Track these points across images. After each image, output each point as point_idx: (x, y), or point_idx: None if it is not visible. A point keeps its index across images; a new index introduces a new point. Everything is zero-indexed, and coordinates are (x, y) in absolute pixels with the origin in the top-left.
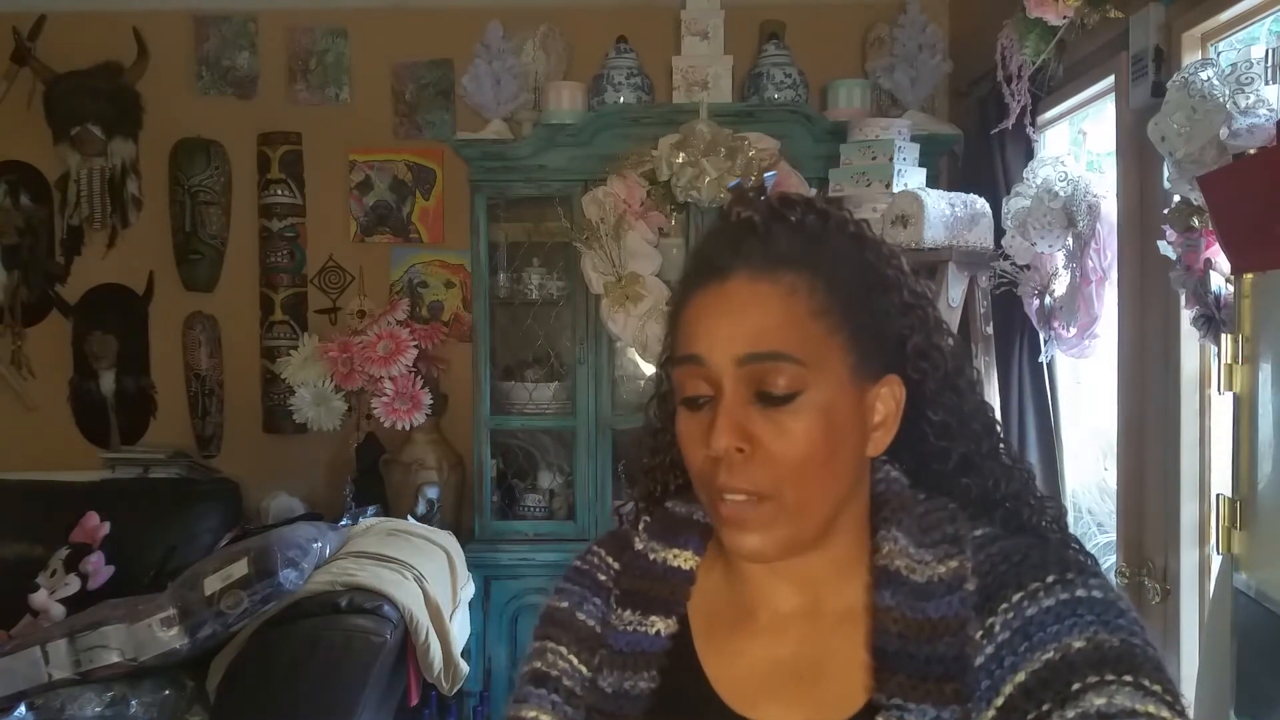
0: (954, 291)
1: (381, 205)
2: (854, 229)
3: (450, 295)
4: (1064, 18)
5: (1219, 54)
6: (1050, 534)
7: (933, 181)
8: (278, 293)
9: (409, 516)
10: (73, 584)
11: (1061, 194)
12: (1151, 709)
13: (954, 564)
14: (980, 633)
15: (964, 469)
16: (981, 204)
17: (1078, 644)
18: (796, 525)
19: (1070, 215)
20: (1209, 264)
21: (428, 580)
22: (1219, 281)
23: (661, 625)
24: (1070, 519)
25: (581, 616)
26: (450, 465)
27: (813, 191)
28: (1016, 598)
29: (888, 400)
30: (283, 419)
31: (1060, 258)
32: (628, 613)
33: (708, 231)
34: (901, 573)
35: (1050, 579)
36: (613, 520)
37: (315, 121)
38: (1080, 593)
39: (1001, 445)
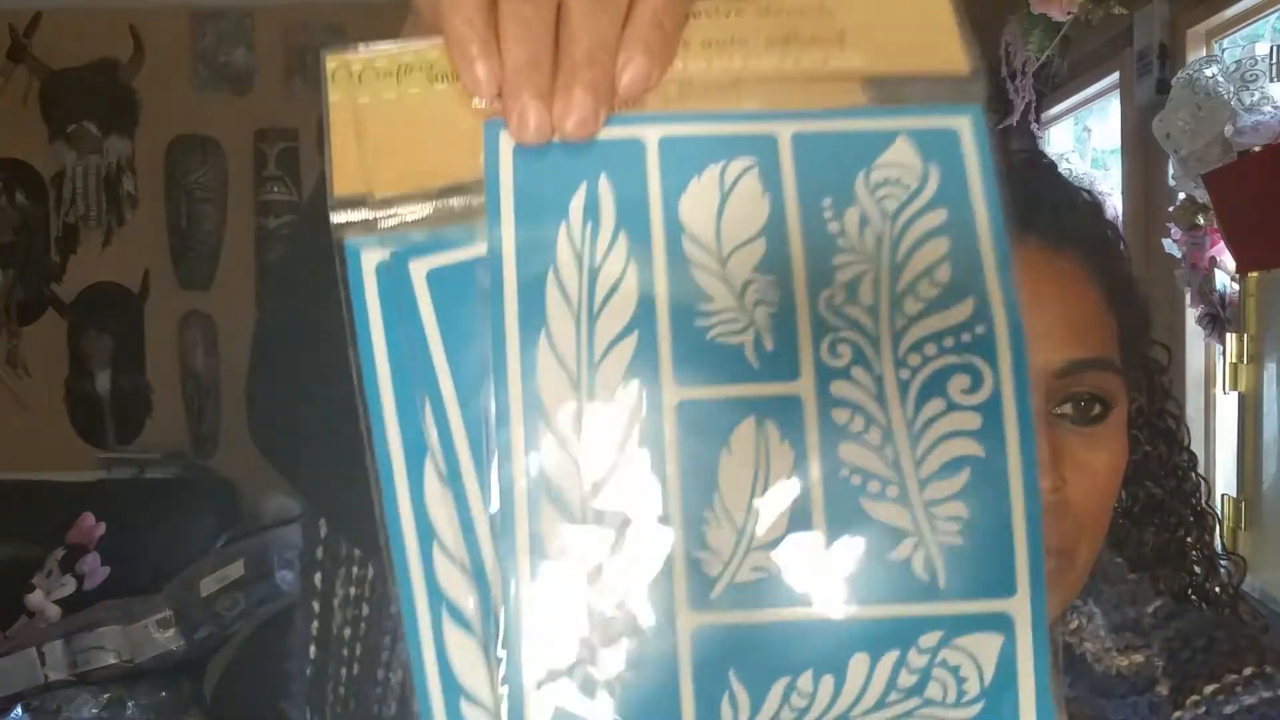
0: None
1: None
2: (1128, 220)
3: None
4: (1068, 14)
5: (1223, 51)
6: (1223, 602)
7: None
8: None
9: None
10: (69, 585)
11: None
12: None
13: (1139, 659)
14: None
15: (1149, 515)
16: None
17: None
18: (1071, 593)
19: None
20: (1214, 262)
21: None
22: (1224, 280)
23: None
24: None
25: None
26: None
27: None
28: (1209, 690)
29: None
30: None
31: None
32: None
33: None
34: (1087, 658)
35: (1248, 672)
36: None
37: (313, 118)
38: None
39: (1202, 486)
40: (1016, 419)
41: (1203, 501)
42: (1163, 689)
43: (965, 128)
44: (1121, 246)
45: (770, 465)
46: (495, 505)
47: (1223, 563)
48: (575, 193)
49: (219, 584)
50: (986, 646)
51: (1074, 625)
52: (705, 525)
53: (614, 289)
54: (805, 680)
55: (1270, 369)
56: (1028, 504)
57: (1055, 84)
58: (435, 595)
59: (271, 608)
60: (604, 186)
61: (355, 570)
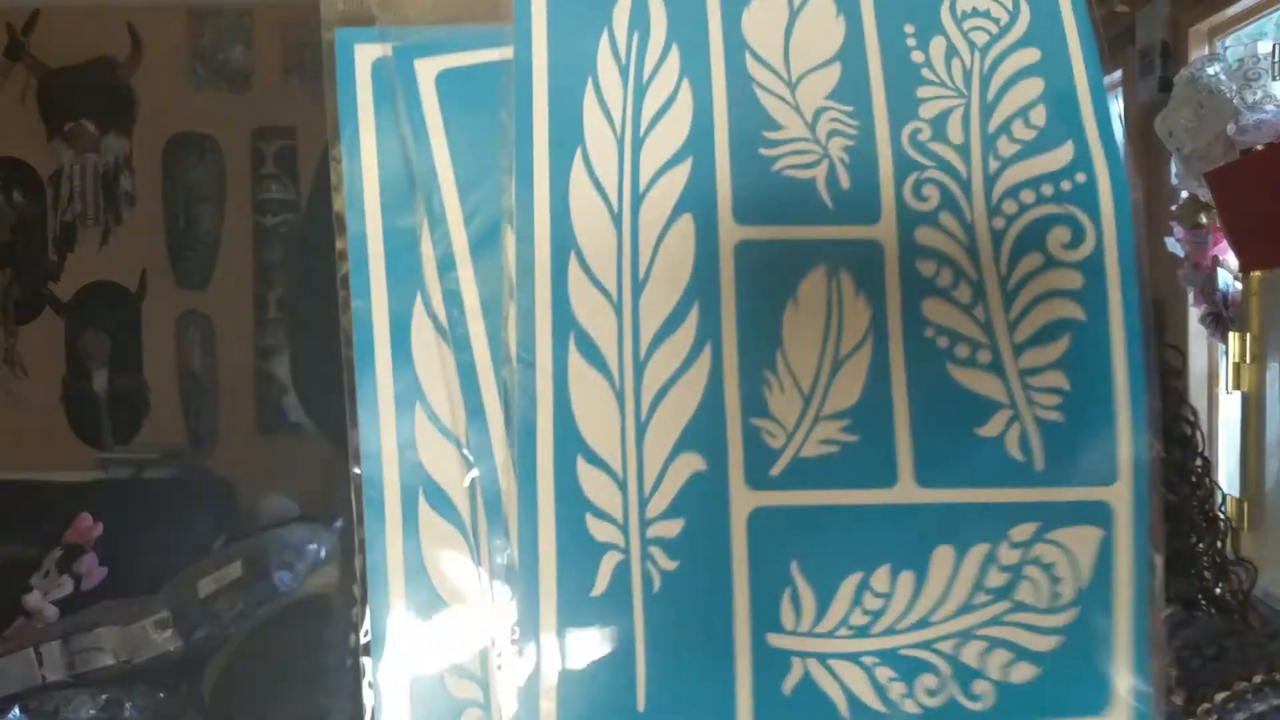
0: None
1: None
2: None
3: None
4: None
5: (1226, 49)
6: (1233, 608)
7: None
8: (273, 290)
9: None
10: (66, 585)
11: None
12: None
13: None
14: None
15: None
16: None
17: None
18: None
19: None
20: (1217, 261)
21: None
22: (1227, 279)
23: None
24: None
25: None
26: None
27: None
28: (1220, 698)
29: None
30: (278, 419)
31: None
32: None
33: None
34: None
35: (1259, 679)
36: None
37: (311, 116)
38: None
39: (1218, 491)
40: (1120, 280)
41: (1215, 507)
42: (1176, 698)
43: None
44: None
45: (844, 321)
46: (513, 360)
47: (1234, 569)
48: None
49: (217, 585)
50: (1084, 541)
51: None
52: (766, 388)
53: (664, 107)
54: (880, 577)
55: (1273, 368)
56: (1132, 377)
57: None
58: (411, 471)
59: (270, 609)
60: None
61: None
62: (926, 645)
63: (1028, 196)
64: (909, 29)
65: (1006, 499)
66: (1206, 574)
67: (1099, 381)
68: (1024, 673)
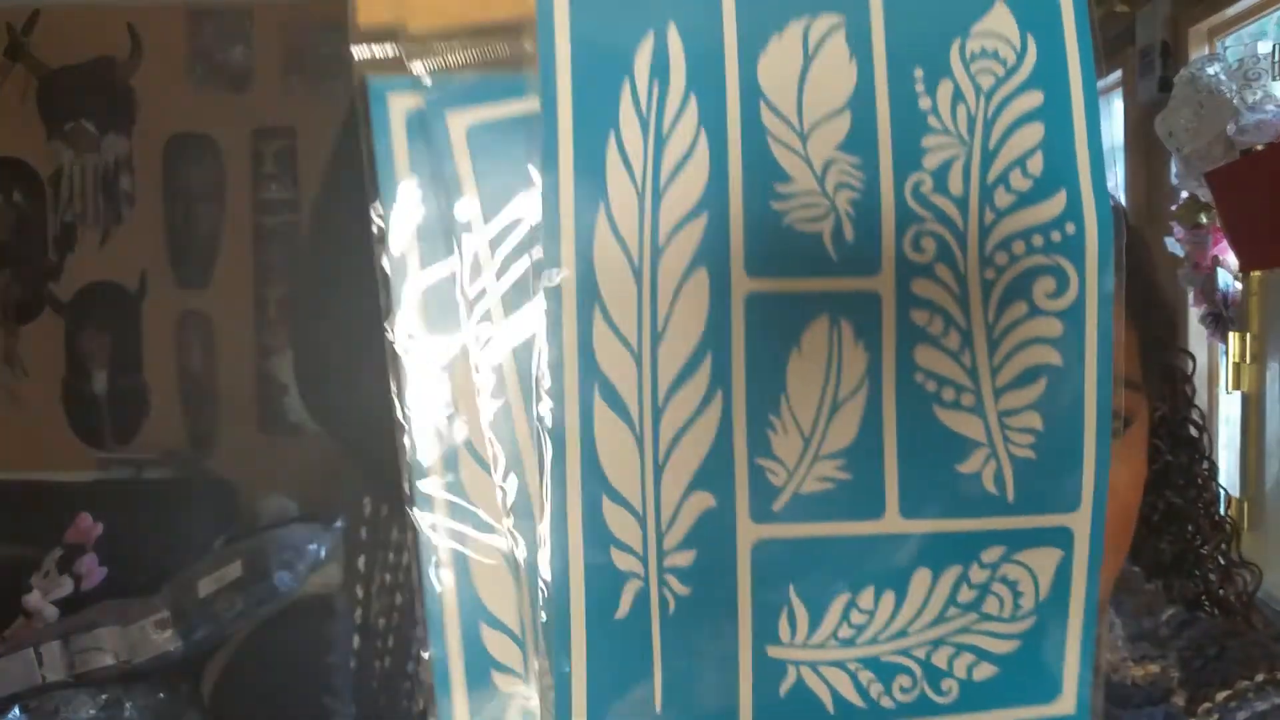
0: None
1: None
2: (1131, 220)
3: None
4: None
5: (1226, 49)
6: (1236, 610)
7: None
8: (273, 290)
9: None
10: (66, 585)
11: None
12: None
13: (1154, 669)
14: None
15: (1168, 524)
16: None
17: None
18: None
19: None
20: (1217, 261)
21: None
22: (1227, 279)
23: None
24: None
25: None
26: None
27: None
28: (1221, 697)
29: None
30: (278, 419)
31: None
32: None
33: None
34: (1104, 668)
35: (1261, 678)
36: None
37: (311, 116)
38: None
39: (1221, 493)
40: (1097, 327)
41: (1220, 510)
42: (1179, 699)
43: None
44: (1145, 254)
45: (842, 368)
46: (542, 402)
47: (1239, 571)
48: (641, 43)
49: (217, 585)
50: (1045, 560)
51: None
52: (771, 431)
53: (683, 161)
54: (866, 597)
55: (1273, 368)
56: (1100, 417)
57: None
58: (458, 500)
59: (270, 609)
60: (673, 38)
61: (391, 556)
62: (904, 652)
63: (1019, 248)
64: (918, 73)
65: (980, 528)
66: (1211, 576)
67: (1069, 421)
68: (985, 671)
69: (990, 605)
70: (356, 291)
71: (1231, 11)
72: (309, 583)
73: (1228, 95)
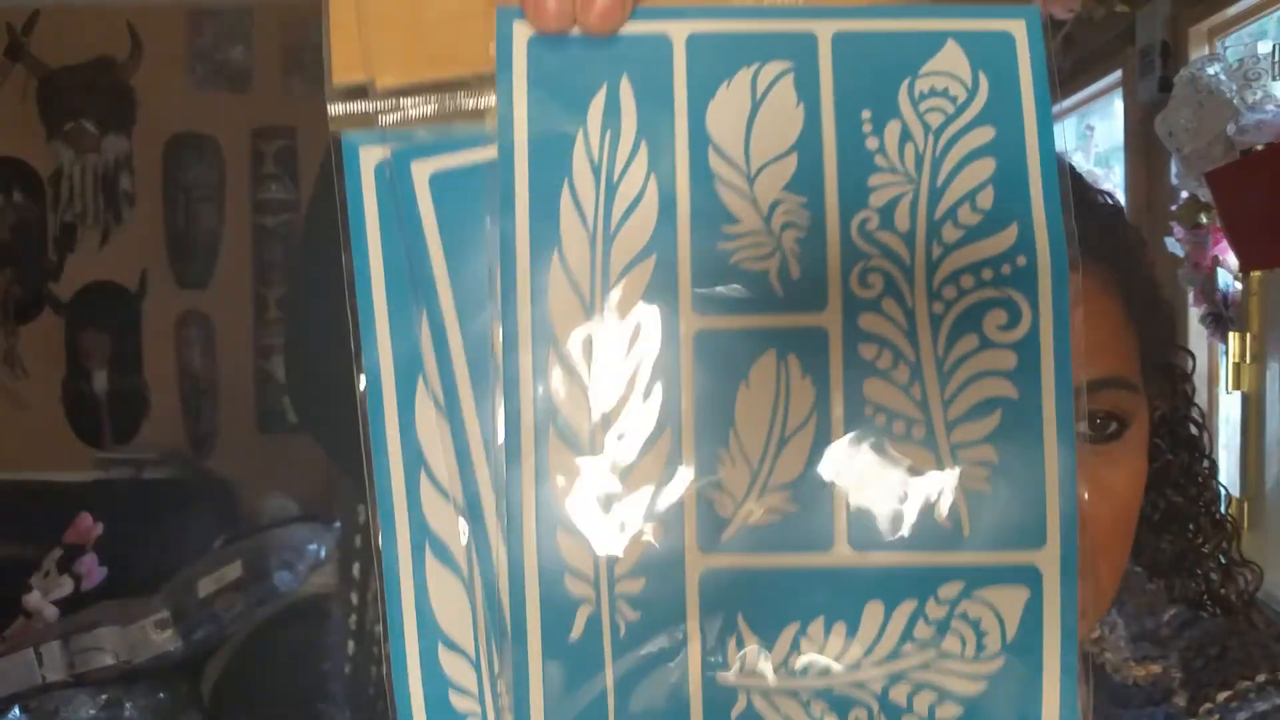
0: None
1: None
2: (1132, 223)
3: None
4: (1070, 12)
5: (1226, 49)
6: (1238, 609)
7: None
8: (272, 290)
9: None
10: (66, 585)
11: None
12: None
13: (1155, 669)
14: None
15: (1168, 523)
16: None
17: None
18: (1096, 615)
19: None
20: (1217, 261)
21: None
22: (1227, 279)
23: None
24: None
25: None
26: None
27: None
28: (1222, 697)
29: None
30: (278, 419)
31: None
32: None
33: None
34: (1106, 668)
35: (1262, 678)
36: None
37: (310, 116)
38: None
39: (1221, 492)
40: (1054, 359)
41: (1221, 509)
42: (1180, 700)
43: (1021, 32)
44: (1144, 253)
45: (790, 402)
46: (499, 436)
47: (1241, 570)
48: (594, 96)
49: (217, 585)
50: (1010, 600)
51: (1096, 635)
52: (719, 463)
53: (633, 206)
54: (816, 627)
55: (1273, 368)
56: (1061, 450)
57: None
58: (419, 528)
59: (270, 609)
60: (625, 89)
61: None
62: (859, 685)
63: (967, 282)
64: (865, 114)
65: (934, 562)
66: (1213, 575)
67: (1028, 455)
68: (950, 711)
69: (951, 643)
70: (346, 304)
71: (1231, 11)
72: (309, 583)
73: (1228, 95)
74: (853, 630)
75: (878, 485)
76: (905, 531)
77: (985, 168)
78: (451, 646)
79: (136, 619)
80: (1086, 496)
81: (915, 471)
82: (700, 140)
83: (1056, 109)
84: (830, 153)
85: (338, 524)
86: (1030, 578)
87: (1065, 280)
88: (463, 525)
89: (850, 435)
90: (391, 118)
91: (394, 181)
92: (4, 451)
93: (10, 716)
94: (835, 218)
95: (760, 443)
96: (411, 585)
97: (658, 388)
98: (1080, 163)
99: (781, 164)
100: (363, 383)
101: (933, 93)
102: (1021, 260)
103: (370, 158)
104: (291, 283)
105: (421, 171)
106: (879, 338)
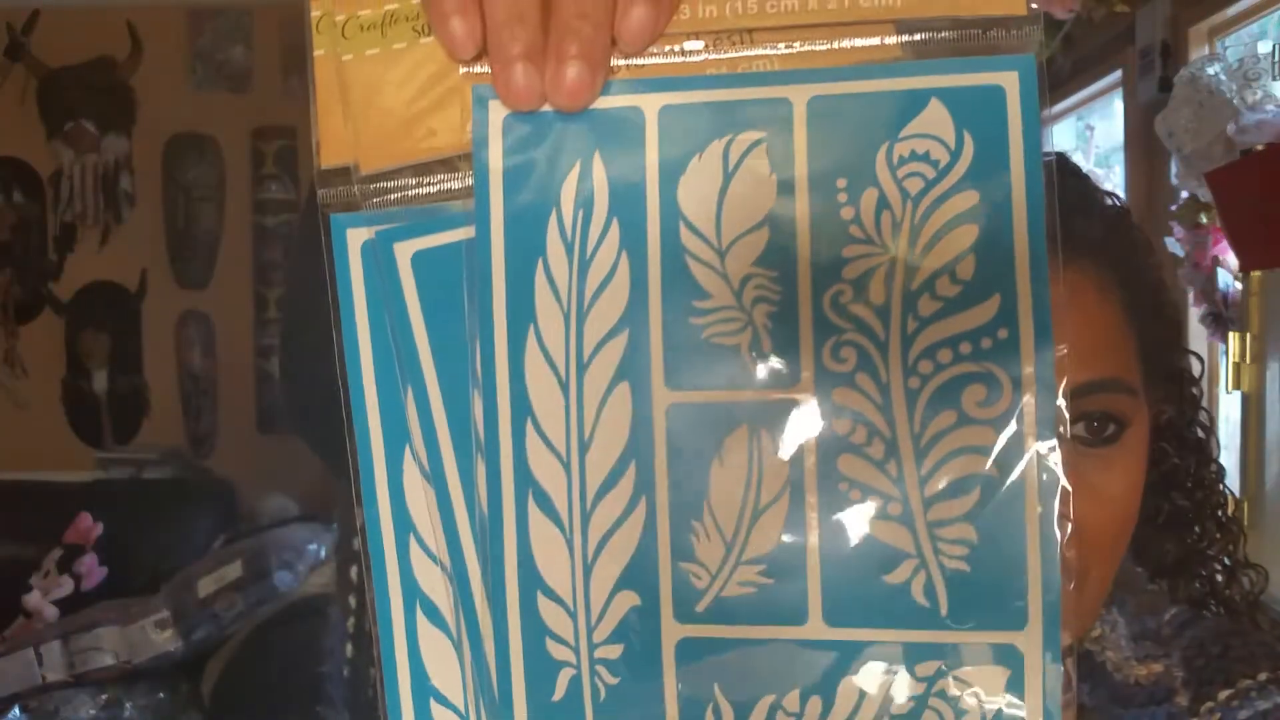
0: None
1: None
2: (1136, 222)
3: None
4: (1070, 11)
5: (1226, 49)
6: (1241, 610)
7: None
8: (272, 290)
9: None
10: (66, 585)
11: None
12: None
13: (1157, 668)
14: None
15: (1173, 525)
16: None
17: None
18: (1089, 619)
19: None
20: (1217, 261)
21: None
22: (1227, 279)
23: None
24: None
25: None
26: None
27: None
28: (1223, 696)
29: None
30: (278, 419)
31: None
32: None
33: None
34: (1107, 667)
35: (1263, 677)
36: None
37: (310, 116)
38: None
39: (1228, 497)
40: (1036, 434)
41: (1228, 513)
42: (1181, 699)
43: (1012, 85)
44: (1150, 255)
45: (763, 477)
46: (483, 503)
47: (1245, 572)
48: (568, 174)
49: (217, 585)
50: (991, 679)
51: (1096, 633)
52: (694, 536)
53: (605, 283)
54: (791, 700)
55: (1274, 368)
56: (1044, 530)
57: (1057, 82)
58: (410, 589)
59: (270, 608)
60: (598, 167)
61: None
62: None
63: (945, 356)
64: (841, 183)
65: (911, 639)
66: (1217, 577)
67: (1008, 534)
68: None
69: None
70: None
71: (1231, 11)
72: (309, 583)
73: (1228, 95)
74: (829, 705)
75: (852, 561)
76: (881, 607)
77: (967, 235)
78: (443, 702)
79: (136, 619)
80: (1075, 501)
81: (891, 548)
82: (671, 215)
83: (1057, 109)
84: (804, 224)
85: (336, 525)
86: (1011, 658)
87: (1050, 353)
88: (450, 587)
89: (824, 510)
90: (375, 200)
91: (379, 260)
92: (4, 451)
93: (10, 716)
94: (808, 291)
95: (734, 517)
96: (404, 642)
97: (632, 461)
98: (1080, 163)
99: (753, 237)
100: (354, 450)
101: (913, 156)
102: (1003, 333)
103: (357, 238)
104: (289, 289)
105: (404, 251)
106: (853, 412)
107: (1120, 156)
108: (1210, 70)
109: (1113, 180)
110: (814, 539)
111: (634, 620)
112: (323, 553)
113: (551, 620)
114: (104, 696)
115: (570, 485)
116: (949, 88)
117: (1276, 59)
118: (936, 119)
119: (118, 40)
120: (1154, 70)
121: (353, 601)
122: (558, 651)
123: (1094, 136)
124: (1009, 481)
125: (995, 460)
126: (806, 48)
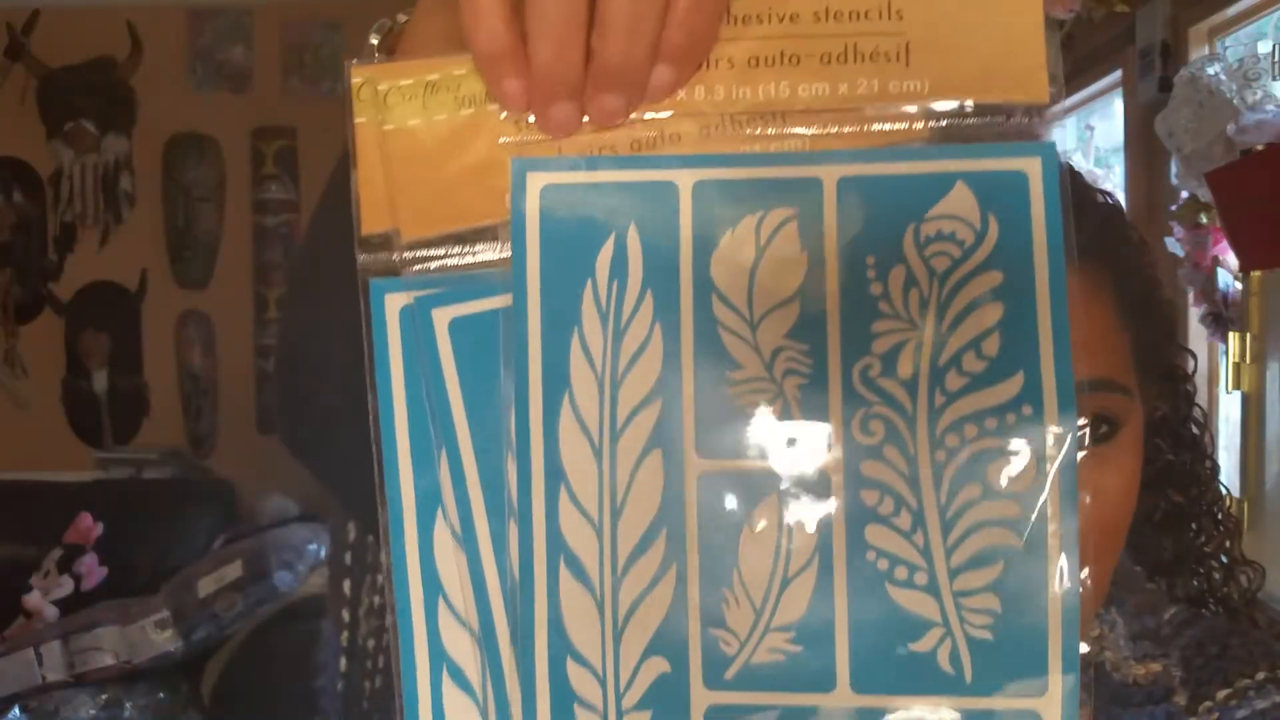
0: None
1: None
2: (1131, 222)
3: None
4: (1070, 11)
5: (1226, 49)
6: (1239, 609)
7: None
8: (272, 290)
9: None
10: (66, 585)
11: None
12: None
13: (1156, 668)
14: None
15: (1169, 523)
16: None
17: None
18: (1086, 619)
19: None
20: (1217, 261)
21: None
22: (1227, 279)
23: None
24: None
25: None
26: None
27: None
28: (1222, 695)
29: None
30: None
31: None
32: None
33: None
34: (1106, 666)
35: (1261, 676)
36: None
37: (310, 116)
38: None
39: (1224, 494)
40: (1060, 510)
41: (1224, 510)
42: (1180, 699)
43: (1035, 171)
44: (1143, 253)
45: (793, 545)
46: (514, 568)
47: (1243, 570)
48: (603, 245)
49: (217, 585)
50: None
51: (1096, 633)
52: (723, 603)
53: (639, 352)
54: None
55: (1273, 368)
56: (1065, 600)
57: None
58: (437, 653)
59: (270, 609)
60: (633, 238)
61: (379, 579)
62: None
63: (971, 431)
64: (870, 260)
65: (937, 706)
66: (1215, 575)
67: (1030, 605)
68: None
69: None
70: (341, 331)
71: (1231, 11)
72: (308, 583)
73: (1228, 95)
74: None
75: (879, 629)
76: (907, 675)
77: (992, 313)
78: None
79: (136, 619)
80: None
81: (917, 617)
82: (704, 287)
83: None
84: (833, 299)
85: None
86: None
87: (1074, 429)
88: (477, 652)
89: (852, 579)
90: (415, 268)
91: (417, 326)
92: (4, 451)
93: (10, 716)
94: (837, 364)
95: (763, 584)
96: (429, 706)
97: (664, 528)
98: (1080, 163)
99: (784, 310)
100: (386, 513)
101: (939, 236)
102: (1027, 410)
103: (395, 303)
104: (288, 305)
105: (442, 318)
106: (881, 484)
107: (1120, 156)
108: (1210, 70)
109: (1112, 180)
110: (842, 607)
111: (663, 687)
112: (322, 553)
113: (580, 686)
114: (104, 696)
115: (602, 551)
116: (974, 172)
117: (1276, 59)
118: (962, 201)
119: (118, 40)
120: (1154, 70)
121: (346, 615)
122: (586, 717)
123: (1094, 136)
124: (1033, 554)
125: (1018, 532)
126: (836, 129)
